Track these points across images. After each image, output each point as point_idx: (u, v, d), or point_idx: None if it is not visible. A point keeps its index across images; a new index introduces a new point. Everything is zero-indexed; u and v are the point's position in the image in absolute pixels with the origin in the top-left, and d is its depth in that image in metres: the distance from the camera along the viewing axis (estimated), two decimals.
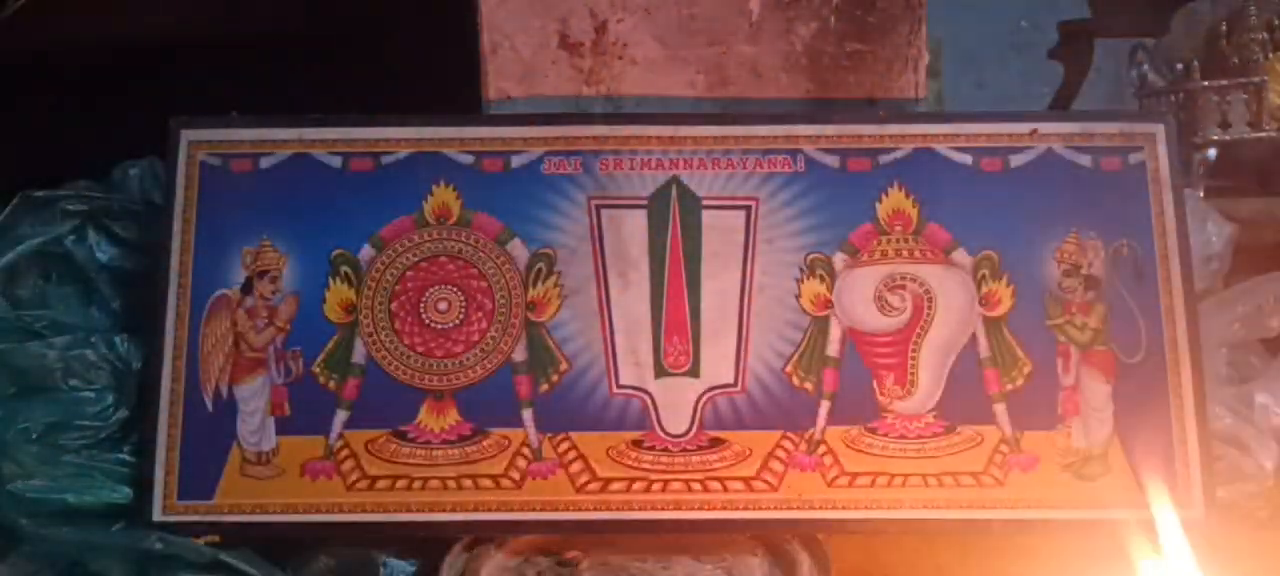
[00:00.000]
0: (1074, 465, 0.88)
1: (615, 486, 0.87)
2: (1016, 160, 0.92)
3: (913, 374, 0.89)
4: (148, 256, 0.92)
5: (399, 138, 0.92)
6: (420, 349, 0.89)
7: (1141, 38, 1.35)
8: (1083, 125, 0.94)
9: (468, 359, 0.89)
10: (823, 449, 0.88)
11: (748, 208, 0.91)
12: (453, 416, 0.89)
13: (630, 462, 0.88)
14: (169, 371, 0.88)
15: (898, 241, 0.91)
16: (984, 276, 0.90)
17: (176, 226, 0.90)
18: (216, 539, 0.85)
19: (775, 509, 0.87)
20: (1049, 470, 0.88)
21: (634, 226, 0.91)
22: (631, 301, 0.90)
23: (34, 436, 0.86)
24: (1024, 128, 0.93)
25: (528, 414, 0.89)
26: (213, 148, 0.92)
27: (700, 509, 0.87)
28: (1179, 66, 1.26)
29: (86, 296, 0.93)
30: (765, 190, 0.92)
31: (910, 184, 0.92)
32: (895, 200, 0.92)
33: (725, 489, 0.87)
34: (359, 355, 0.89)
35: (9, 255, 0.91)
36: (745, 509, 0.87)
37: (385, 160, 0.92)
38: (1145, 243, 0.91)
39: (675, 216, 0.91)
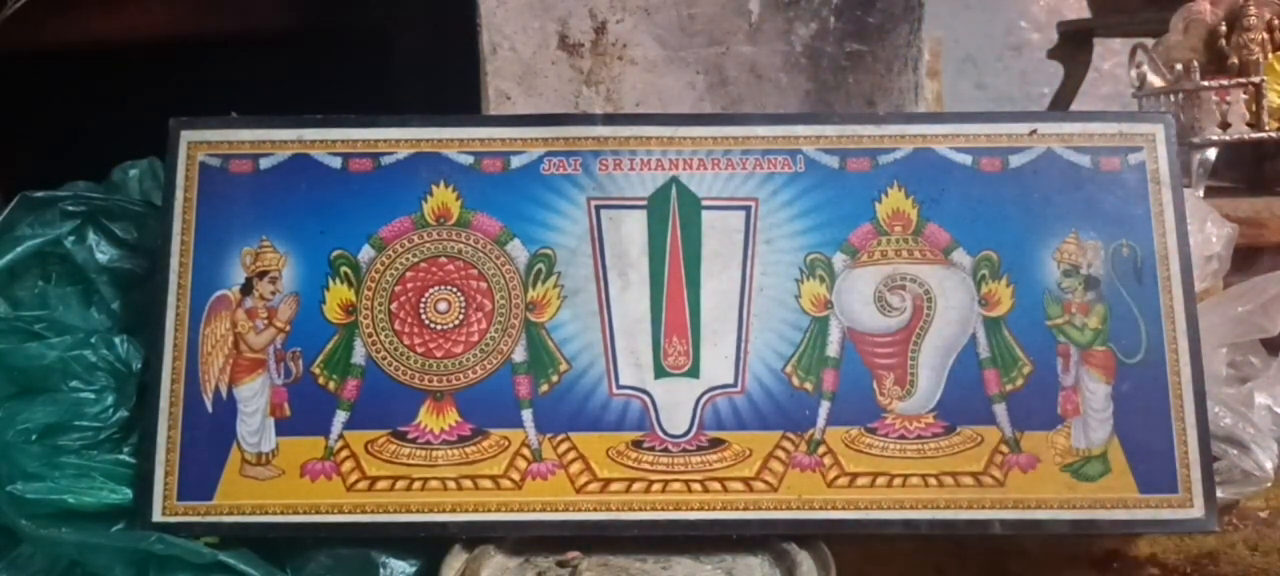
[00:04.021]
0: (1074, 465, 0.88)
1: (615, 487, 0.87)
2: (1016, 160, 0.92)
3: (913, 374, 0.89)
4: (147, 257, 0.92)
5: (399, 138, 0.92)
6: (420, 349, 0.90)
7: (1141, 38, 1.35)
8: (1082, 125, 0.93)
9: (468, 359, 0.89)
10: (823, 449, 0.88)
11: (747, 208, 0.91)
12: (453, 417, 0.89)
13: (630, 463, 0.88)
14: (169, 372, 0.88)
15: (897, 241, 0.91)
16: (984, 276, 0.90)
17: (176, 227, 0.90)
18: (215, 540, 0.85)
19: (775, 509, 0.87)
20: (1049, 470, 0.87)
21: (633, 227, 0.91)
22: (631, 302, 0.90)
23: (34, 437, 0.86)
24: (1024, 128, 0.93)
25: (528, 414, 0.89)
26: (212, 148, 0.92)
27: (700, 509, 0.87)
28: (1179, 66, 1.26)
29: (86, 297, 0.93)
30: (765, 190, 0.91)
31: (910, 184, 0.92)
32: (895, 200, 0.92)
33: (725, 489, 0.87)
34: (359, 355, 0.89)
35: (9, 255, 0.91)
36: (745, 509, 0.87)
37: (385, 160, 0.92)
38: (1145, 243, 0.91)
39: (675, 217, 0.91)
